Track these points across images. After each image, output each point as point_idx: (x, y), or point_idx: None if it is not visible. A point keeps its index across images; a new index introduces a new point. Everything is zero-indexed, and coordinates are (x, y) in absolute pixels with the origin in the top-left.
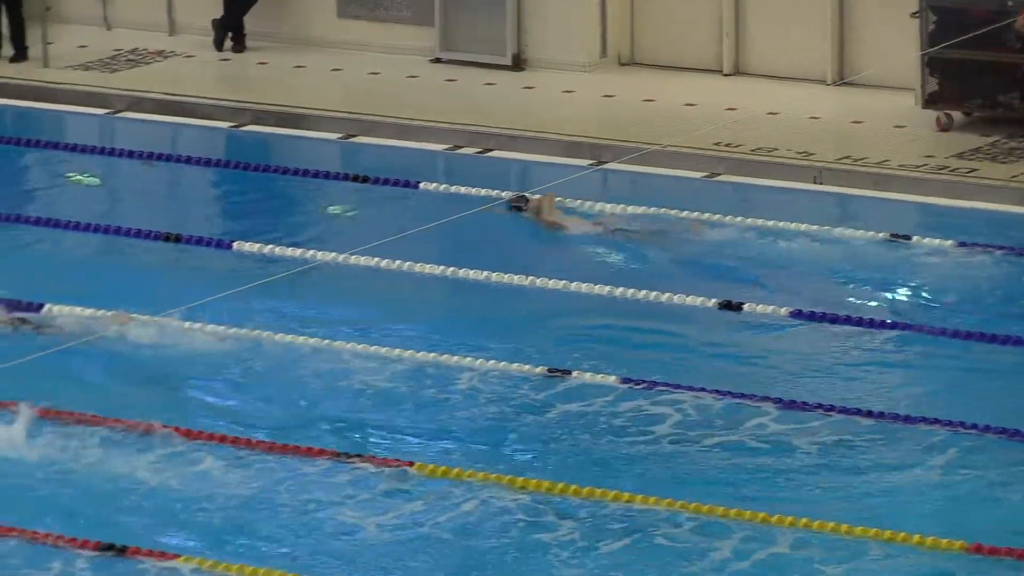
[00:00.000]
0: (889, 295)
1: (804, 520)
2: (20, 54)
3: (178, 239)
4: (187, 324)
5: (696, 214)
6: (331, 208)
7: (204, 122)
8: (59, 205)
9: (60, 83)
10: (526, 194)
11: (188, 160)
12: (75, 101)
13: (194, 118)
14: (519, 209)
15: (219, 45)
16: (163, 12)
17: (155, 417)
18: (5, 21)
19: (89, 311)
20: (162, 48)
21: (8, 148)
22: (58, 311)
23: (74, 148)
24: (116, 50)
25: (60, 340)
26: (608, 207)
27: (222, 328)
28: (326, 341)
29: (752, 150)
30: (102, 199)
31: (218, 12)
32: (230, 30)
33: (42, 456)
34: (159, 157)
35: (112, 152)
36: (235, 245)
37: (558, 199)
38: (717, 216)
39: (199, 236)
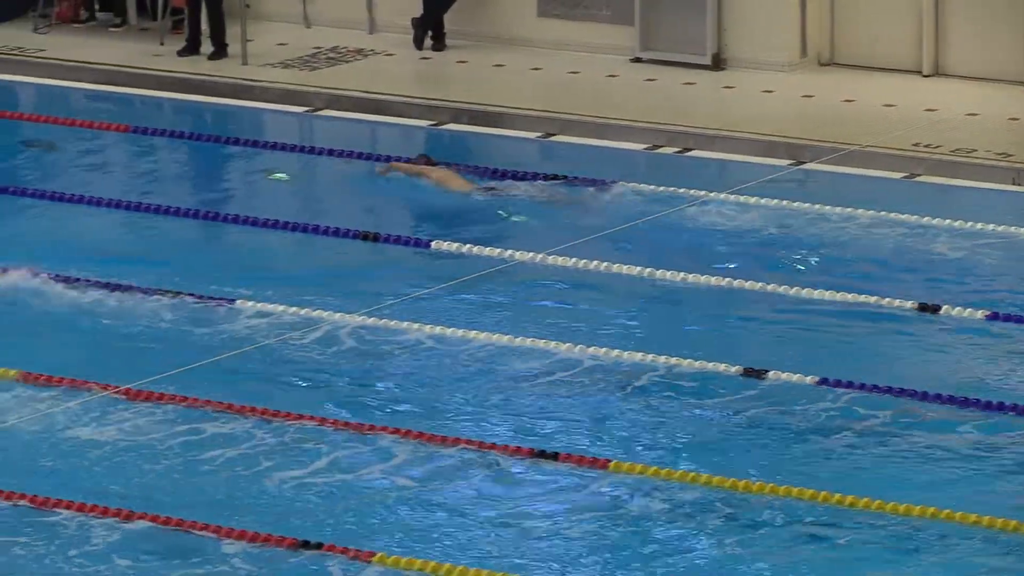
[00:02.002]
0: None
1: (1014, 523)
2: (220, 51)
3: (376, 238)
4: (383, 322)
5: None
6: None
7: (402, 120)
8: (257, 203)
9: (259, 81)
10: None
11: (386, 159)
12: (274, 99)
13: (392, 116)
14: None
15: (419, 44)
16: (363, 10)
17: (358, 415)
18: (205, 18)
19: (279, 307)
20: (361, 46)
21: (208, 145)
22: (251, 307)
23: (273, 146)
24: (315, 48)
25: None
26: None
27: (416, 326)
28: (519, 339)
29: (951, 151)
30: (299, 197)
31: (418, 11)
32: (430, 29)
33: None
34: (357, 156)
35: (310, 150)
36: (433, 244)
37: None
38: (915, 217)
39: (396, 235)
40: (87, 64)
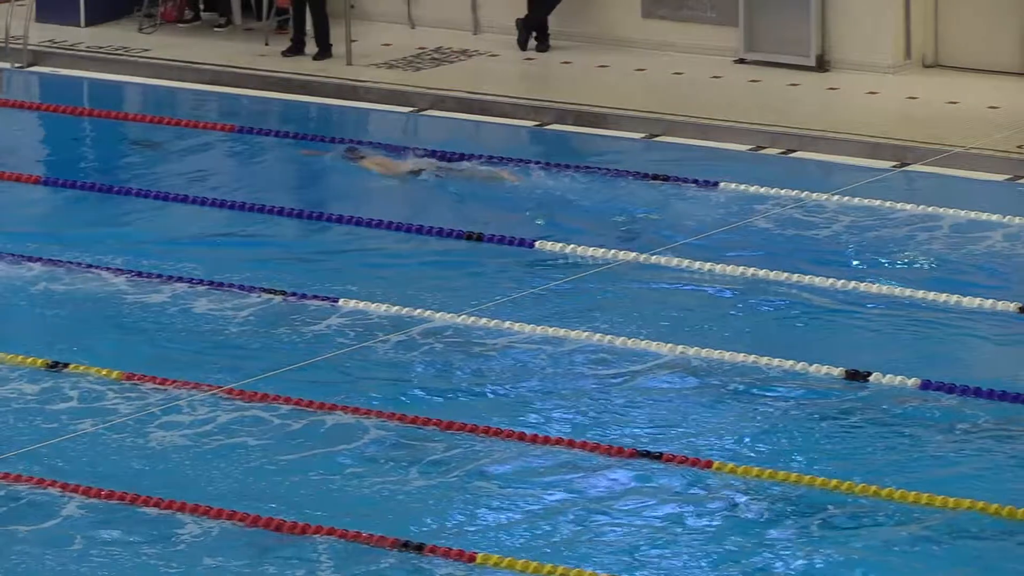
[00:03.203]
0: None
1: None
2: (324, 52)
3: (479, 237)
4: (485, 321)
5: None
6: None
7: (506, 121)
8: (362, 202)
9: (363, 81)
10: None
11: (490, 159)
12: (378, 99)
13: (496, 117)
14: (354, 159)
15: (523, 44)
16: (467, 11)
17: (458, 415)
18: (309, 19)
19: (383, 306)
20: (466, 47)
21: (312, 145)
22: (354, 305)
23: (377, 146)
24: (420, 48)
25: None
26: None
27: (518, 326)
28: (621, 339)
29: None
30: (404, 196)
31: (522, 11)
32: (534, 29)
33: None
34: (460, 157)
35: (414, 151)
36: (537, 244)
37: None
38: (1018, 219)
39: (500, 235)
40: (192, 64)
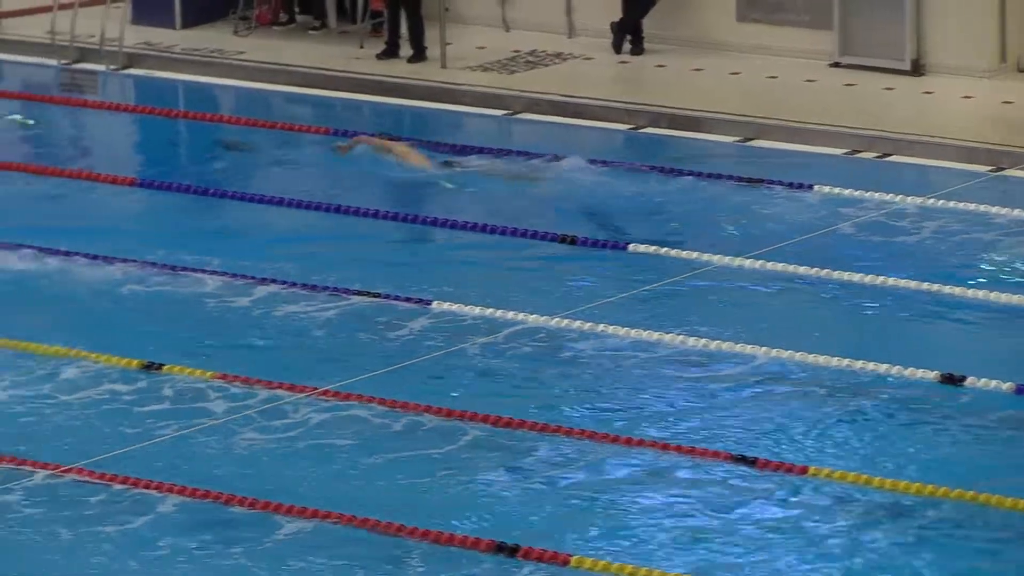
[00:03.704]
0: None
1: None
2: (419, 55)
3: (574, 240)
4: (579, 324)
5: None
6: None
7: (600, 124)
8: (456, 204)
9: (458, 84)
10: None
11: (585, 161)
12: (472, 102)
13: (590, 120)
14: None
15: (618, 48)
16: (562, 14)
17: (553, 417)
18: (404, 22)
19: (476, 309)
20: (560, 50)
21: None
22: (447, 307)
23: (470, 149)
24: (514, 51)
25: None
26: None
27: (612, 328)
28: (716, 343)
29: None
30: (498, 199)
31: (617, 14)
32: (629, 32)
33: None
34: (554, 158)
35: (508, 153)
36: (631, 246)
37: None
38: None
39: (595, 238)
40: (286, 67)
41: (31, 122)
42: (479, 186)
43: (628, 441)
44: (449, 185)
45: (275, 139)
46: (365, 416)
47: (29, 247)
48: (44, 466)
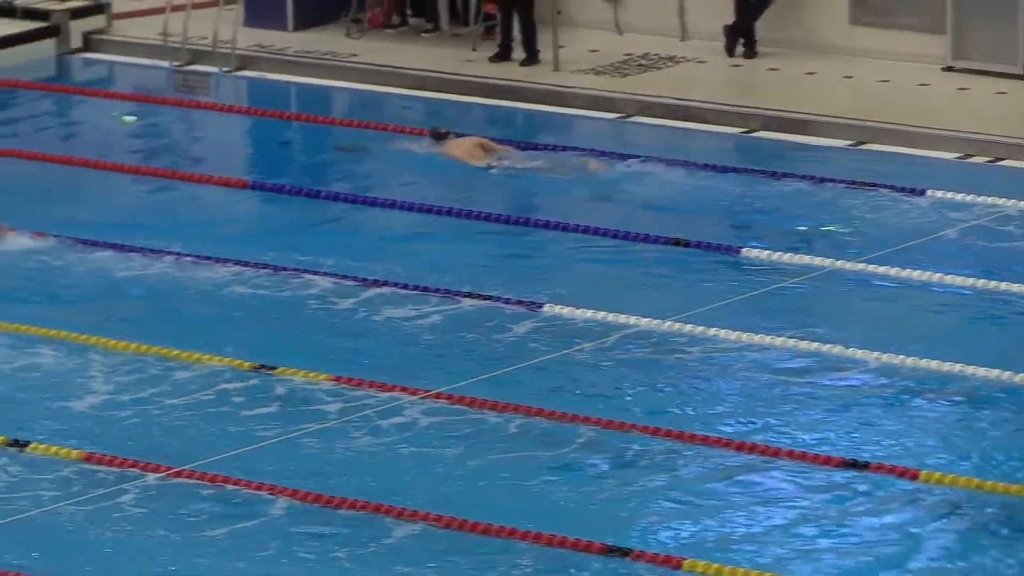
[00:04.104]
0: None
1: None
2: (531, 58)
3: (686, 244)
4: (691, 328)
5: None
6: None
7: (713, 127)
8: (567, 208)
9: (570, 87)
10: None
11: (696, 165)
12: (584, 105)
13: (703, 123)
14: (439, 138)
15: (730, 51)
16: (674, 17)
17: (664, 421)
18: (517, 24)
19: (588, 312)
20: (673, 53)
21: (516, 149)
22: (559, 311)
23: (582, 151)
24: (627, 54)
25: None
26: None
27: (724, 332)
28: (827, 347)
29: None
30: (610, 203)
31: (730, 17)
32: (742, 35)
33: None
34: (667, 162)
35: (621, 156)
36: (743, 251)
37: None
38: None
39: (707, 242)
40: (399, 69)
41: (142, 122)
42: (591, 189)
43: (740, 445)
44: (559, 187)
45: (388, 141)
46: (475, 419)
47: (141, 249)
48: (156, 468)
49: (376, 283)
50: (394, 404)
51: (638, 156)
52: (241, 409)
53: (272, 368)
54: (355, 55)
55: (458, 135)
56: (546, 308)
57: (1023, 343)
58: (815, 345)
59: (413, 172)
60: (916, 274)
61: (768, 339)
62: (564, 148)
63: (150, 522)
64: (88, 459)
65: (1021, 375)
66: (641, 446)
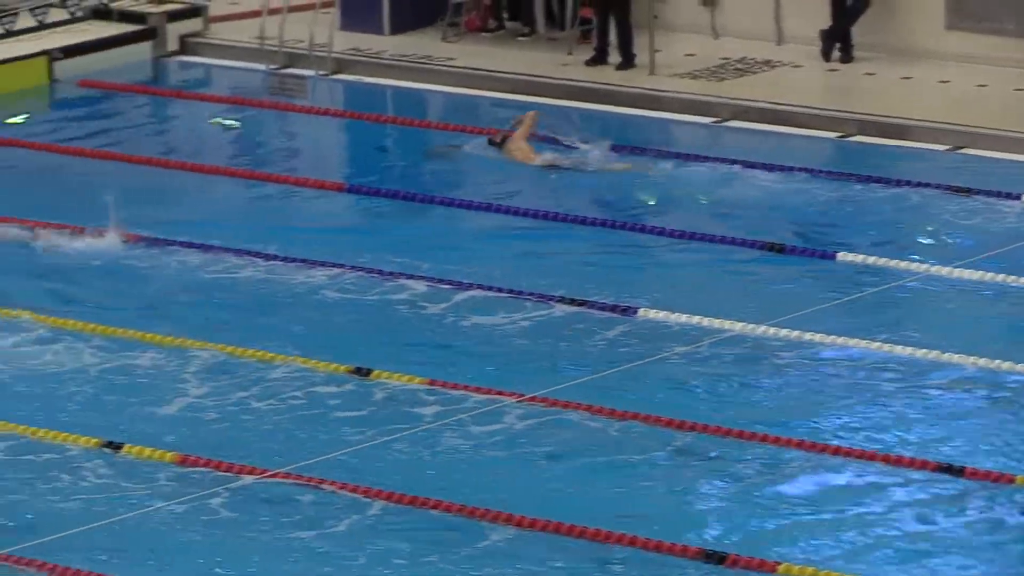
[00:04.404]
0: None
1: None
2: (627, 61)
3: (781, 249)
4: (786, 332)
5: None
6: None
7: (808, 132)
8: (662, 212)
9: (666, 91)
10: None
11: (792, 170)
12: (680, 109)
13: (798, 128)
14: (498, 144)
15: (827, 55)
16: (771, 22)
17: (760, 426)
18: (613, 29)
19: (683, 317)
20: (769, 57)
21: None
22: (653, 315)
23: (677, 155)
24: (723, 59)
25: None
26: None
27: (819, 337)
28: (922, 351)
29: None
30: (705, 207)
31: (826, 22)
32: (838, 40)
33: (653, 465)
34: (761, 166)
35: (717, 160)
36: (839, 256)
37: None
38: None
39: (803, 246)
40: (495, 73)
41: (239, 125)
42: (684, 191)
43: (835, 449)
44: (652, 190)
45: (483, 145)
46: (571, 422)
47: (236, 251)
48: (250, 470)
49: (471, 286)
50: (489, 407)
51: (734, 160)
52: (336, 412)
53: (369, 371)
54: (451, 59)
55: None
56: (641, 312)
57: None
58: (910, 350)
59: (508, 174)
60: (1012, 279)
61: (863, 343)
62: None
63: (243, 525)
64: (182, 461)
65: None
66: (737, 450)
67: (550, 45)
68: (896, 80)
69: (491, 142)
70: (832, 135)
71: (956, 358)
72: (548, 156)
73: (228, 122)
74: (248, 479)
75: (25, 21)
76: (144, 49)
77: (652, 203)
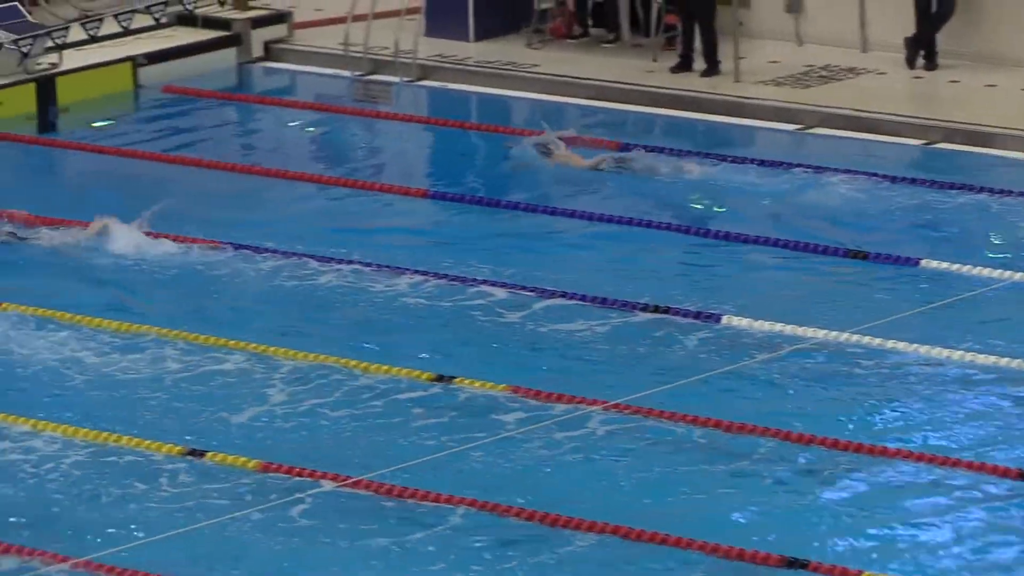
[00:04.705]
0: None
1: None
2: (712, 68)
3: (865, 256)
4: (868, 340)
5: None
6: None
7: (893, 139)
8: (744, 219)
9: (751, 98)
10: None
11: (876, 177)
12: (765, 116)
13: (884, 135)
14: (545, 153)
15: (911, 63)
16: (855, 29)
17: (836, 433)
18: (698, 36)
19: (766, 324)
20: (853, 65)
21: (704, 162)
22: (736, 322)
23: (762, 163)
24: (807, 66)
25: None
26: None
27: (902, 345)
28: (1005, 360)
29: None
30: (788, 214)
31: (911, 29)
32: (923, 48)
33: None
34: (845, 173)
35: (801, 166)
36: (922, 262)
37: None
38: None
39: (886, 253)
40: (579, 80)
41: (322, 131)
42: (768, 197)
43: (919, 457)
44: (737, 197)
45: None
46: (653, 430)
47: (320, 257)
48: (333, 477)
49: (554, 293)
50: (571, 415)
51: (818, 167)
52: (418, 419)
53: (450, 378)
54: (536, 65)
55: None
56: (724, 320)
57: None
58: (994, 358)
59: (592, 182)
60: None
61: (947, 352)
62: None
63: (324, 532)
64: (264, 468)
65: None
66: (819, 458)
67: (635, 52)
68: (980, 87)
69: (540, 150)
70: (916, 142)
71: None
72: (595, 159)
73: (309, 128)
74: (328, 486)
75: (110, 27)
76: (229, 55)
77: (722, 210)
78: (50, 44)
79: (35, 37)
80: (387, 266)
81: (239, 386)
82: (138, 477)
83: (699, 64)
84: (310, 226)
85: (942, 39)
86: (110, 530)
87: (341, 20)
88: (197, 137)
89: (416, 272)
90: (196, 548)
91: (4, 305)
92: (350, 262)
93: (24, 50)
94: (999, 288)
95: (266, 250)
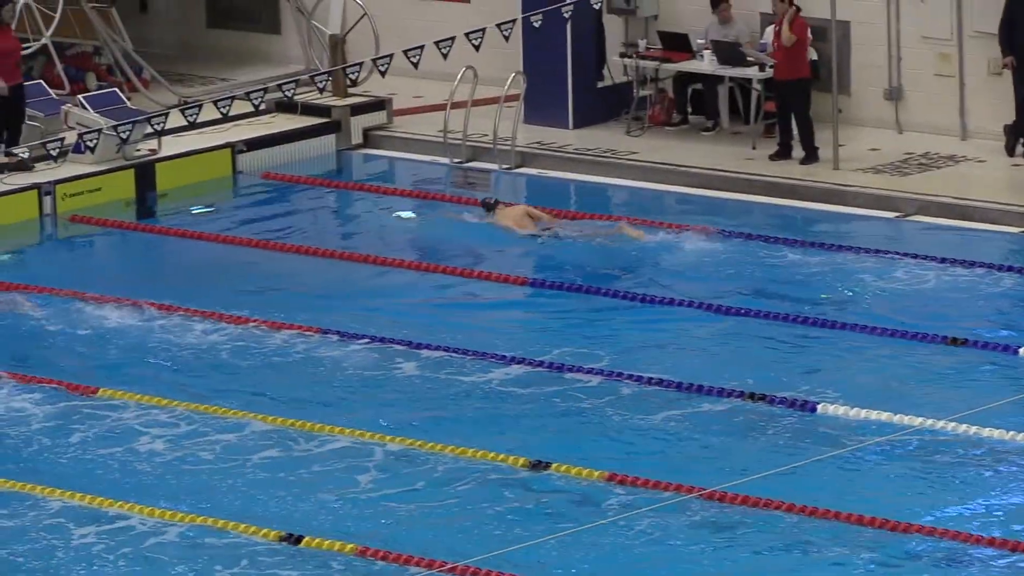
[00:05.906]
0: None
1: None
2: (811, 156)
3: (963, 343)
4: (964, 428)
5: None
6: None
7: (992, 227)
8: (844, 305)
9: (850, 185)
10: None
11: (975, 264)
12: (864, 204)
13: (982, 223)
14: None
15: (1011, 150)
16: (955, 116)
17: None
18: (795, 124)
19: (862, 412)
20: (953, 152)
21: (799, 249)
22: (832, 410)
23: (859, 250)
24: (907, 153)
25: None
26: None
27: (997, 433)
28: None
29: None
30: (886, 300)
31: (1010, 117)
32: (1022, 135)
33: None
34: (944, 261)
35: (900, 254)
36: (1021, 351)
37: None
38: None
39: (984, 340)
40: (678, 167)
41: (416, 217)
42: (866, 285)
43: (1015, 546)
44: (835, 285)
45: (666, 238)
46: (752, 516)
47: (417, 344)
48: (429, 563)
49: (650, 381)
50: (669, 501)
51: (916, 255)
52: (514, 504)
53: (548, 465)
54: (634, 152)
55: (506, 204)
56: (820, 408)
57: None
58: None
59: (691, 268)
60: None
61: None
62: (605, 216)
63: None
64: (363, 553)
65: None
66: (921, 546)
67: (734, 139)
68: None
69: (485, 205)
70: (1015, 230)
71: None
72: (543, 223)
73: (406, 215)
74: (427, 573)
75: (209, 113)
76: (328, 142)
77: (826, 297)
78: (149, 130)
79: (134, 123)
80: (483, 352)
81: (334, 471)
82: (232, 561)
83: (797, 152)
84: (408, 313)
85: None
86: None
87: (440, 107)
88: (296, 223)
89: (513, 359)
90: None
91: (125, 394)
92: (447, 349)
93: (123, 136)
94: None
95: (363, 336)
